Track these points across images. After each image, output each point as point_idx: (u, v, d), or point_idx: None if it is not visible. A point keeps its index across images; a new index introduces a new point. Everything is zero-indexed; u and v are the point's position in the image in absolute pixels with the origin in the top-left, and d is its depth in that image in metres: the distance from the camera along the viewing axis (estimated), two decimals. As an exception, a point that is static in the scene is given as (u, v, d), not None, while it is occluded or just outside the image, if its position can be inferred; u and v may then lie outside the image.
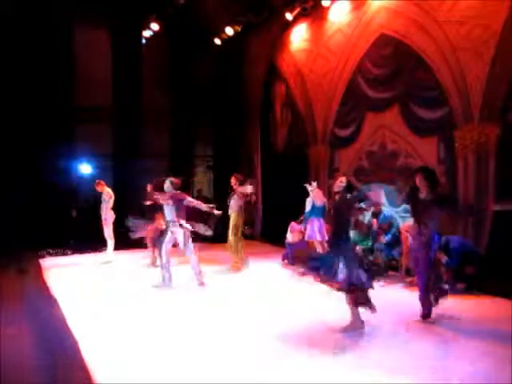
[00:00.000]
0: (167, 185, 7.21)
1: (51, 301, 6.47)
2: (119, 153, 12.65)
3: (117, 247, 9.61)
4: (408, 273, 7.24)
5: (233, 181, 8.42)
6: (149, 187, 8.87)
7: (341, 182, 5.11)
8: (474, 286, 6.48)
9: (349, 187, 5.09)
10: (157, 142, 13.35)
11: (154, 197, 7.53)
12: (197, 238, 7.42)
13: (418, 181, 5.27)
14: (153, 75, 13.19)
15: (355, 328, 4.92)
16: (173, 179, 7.30)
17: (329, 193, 6.89)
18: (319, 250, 8.38)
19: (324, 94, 10.46)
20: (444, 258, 6.68)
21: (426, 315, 5.25)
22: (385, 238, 7.61)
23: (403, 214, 6.31)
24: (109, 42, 12.76)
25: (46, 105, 11.52)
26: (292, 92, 11.57)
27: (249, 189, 8.33)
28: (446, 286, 5.51)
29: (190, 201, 7.25)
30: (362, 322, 4.96)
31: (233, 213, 8.35)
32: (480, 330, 4.86)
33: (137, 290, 6.96)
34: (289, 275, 8.19)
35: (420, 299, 5.28)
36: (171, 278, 7.12)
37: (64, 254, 10.43)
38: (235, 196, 8.32)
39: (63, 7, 11.48)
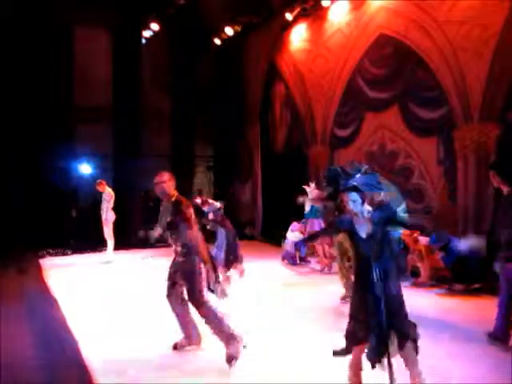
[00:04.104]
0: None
1: (51, 301, 6.47)
2: (119, 153, 12.64)
3: (117, 247, 9.61)
4: (413, 274, 7.26)
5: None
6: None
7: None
8: (473, 286, 6.48)
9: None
10: (157, 142, 13.35)
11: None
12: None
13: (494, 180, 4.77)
14: (153, 75, 13.19)
15: None
16: None
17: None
18: (319, 250, 8.38)
19: (323, 94, 10.46)
20: (440, 254, 6.71)
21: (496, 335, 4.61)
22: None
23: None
24: (109, 42, 12.75)
25: (45, 105, 11.53)
26: (292, 92, 11.57)
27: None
28: None
29: None
30: None
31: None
32: (480, 330, 4.85)
33: (137, 290, 6.96)
34: (289, 275, 8.19)
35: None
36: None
37: (64, 253, 10.44)
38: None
39: (63, 7, 11.48)
